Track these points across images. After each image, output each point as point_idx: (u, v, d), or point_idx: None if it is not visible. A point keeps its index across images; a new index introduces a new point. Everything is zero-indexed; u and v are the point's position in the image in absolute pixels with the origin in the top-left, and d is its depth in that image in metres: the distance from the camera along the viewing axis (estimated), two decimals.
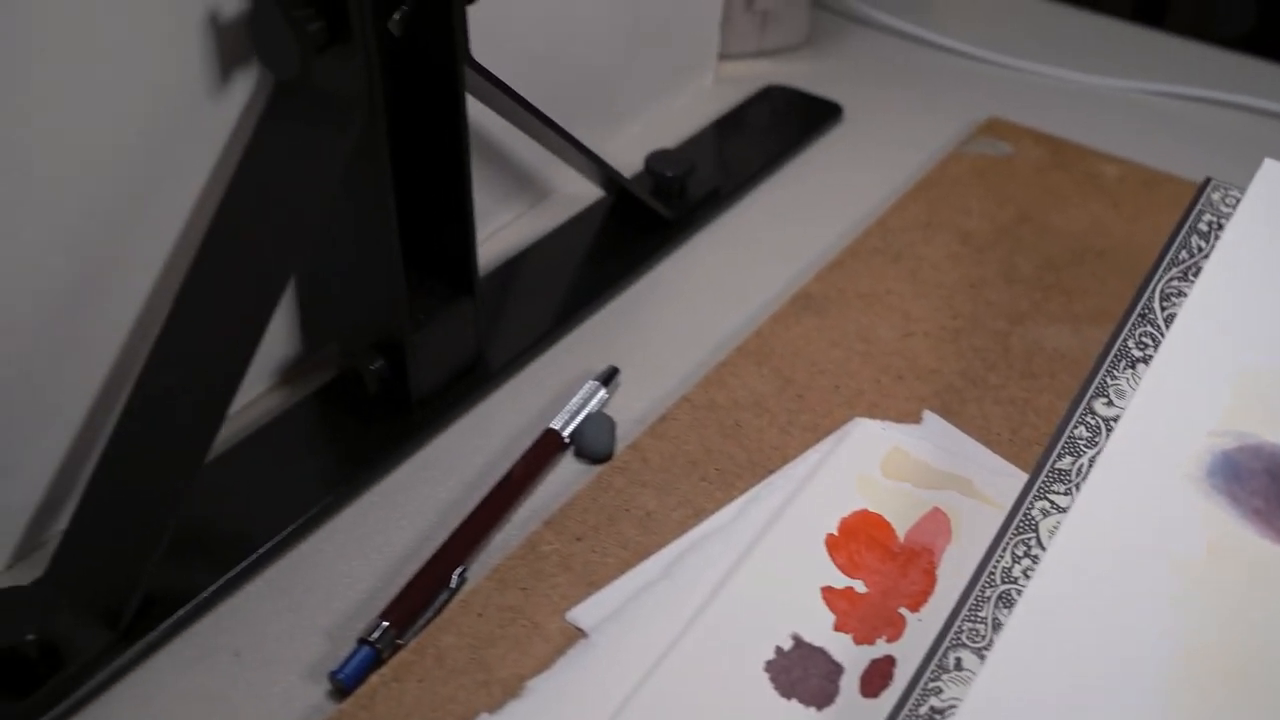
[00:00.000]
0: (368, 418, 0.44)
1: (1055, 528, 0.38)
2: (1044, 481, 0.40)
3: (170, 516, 0.36)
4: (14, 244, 0.35)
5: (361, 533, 0.41)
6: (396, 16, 0.38)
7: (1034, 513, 0.39)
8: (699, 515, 0.41)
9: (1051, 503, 0.39)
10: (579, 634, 0.37)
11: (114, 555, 0.37)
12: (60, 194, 0.35)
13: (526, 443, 0.44)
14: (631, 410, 0.46)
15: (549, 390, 0.47)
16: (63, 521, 0.41)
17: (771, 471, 0.43)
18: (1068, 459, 0.41)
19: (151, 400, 0.37)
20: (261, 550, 0.39)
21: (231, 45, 0.38)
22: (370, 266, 0.41)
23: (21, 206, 0.34)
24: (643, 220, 0.55)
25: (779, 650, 0.37)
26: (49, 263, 0.36)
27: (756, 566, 0.39)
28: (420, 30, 0.39)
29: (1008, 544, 0.38)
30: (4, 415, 0.37)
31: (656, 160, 0.56)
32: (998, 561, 0.38)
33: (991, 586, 0.37)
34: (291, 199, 0.37)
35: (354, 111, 0.37)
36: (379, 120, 0.37)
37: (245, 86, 0.39)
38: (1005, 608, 0.36)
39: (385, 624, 0.37)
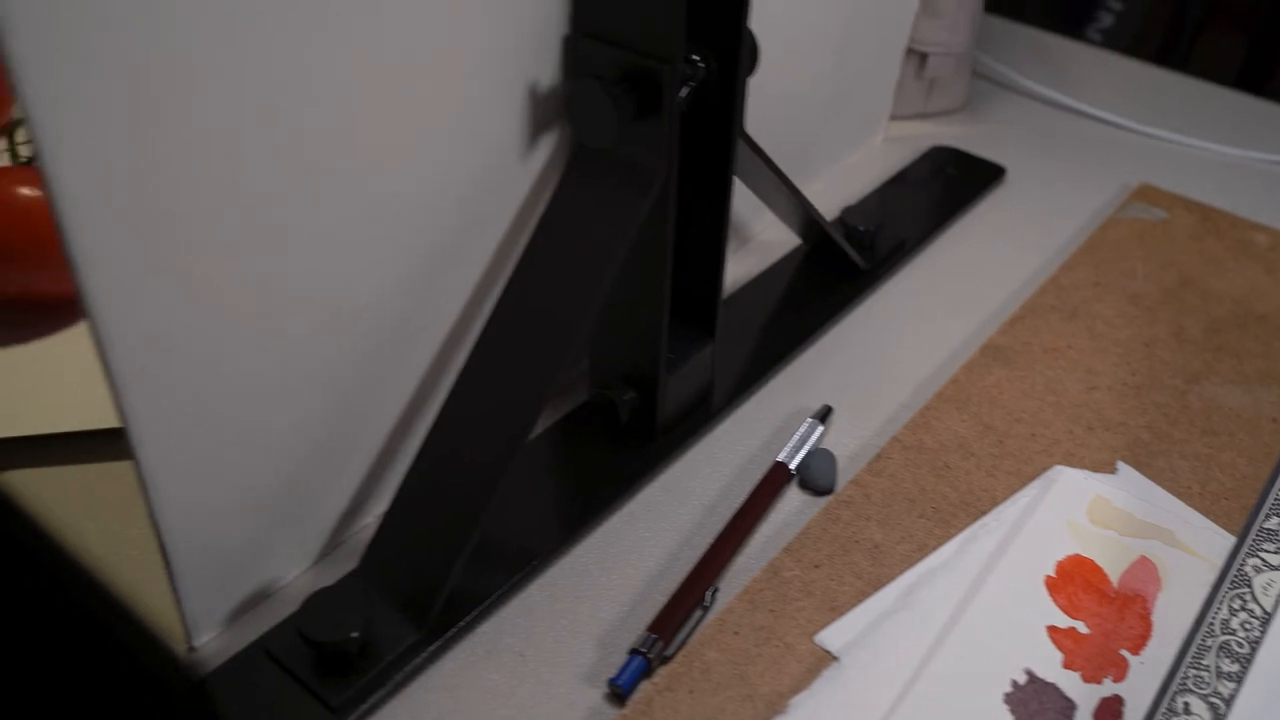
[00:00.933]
0: (618, 442, 0.44)
1: (1269, 584, 0.38)
2: (1254, 540, 0.39)
3: (476, 524, 0.37)
4: (353, 287, 0.35)
5: (619, 549, 0.42)
6: (684, 93, 0.38)
7: (1246, 569, 0.39)
8: (921, 550, 0.41)
9: (1263, 560, 0.39)
10: (828, 656, 0.38)
11: (423, 557, 0.37)
12: (388, 240, 0.36)
13: (752, 472, 0.45)
14: (844, 447, 0.46)
15: (766, 424, 0.47)
16: (358, 525, 0.42)
17: (983, 512, 0.43)
18: (1275, 520, 0.40)
19: (459, 419, 0.38)
20: (538, 559, 0.40)
21: (542, 113, 0.38)
22: (637, 311, 0.41)
23: (359, 247, 0.35)
24: (837, 269, 0.55)
25: (1015, 684, 0.37)
26: (377, 298, 0.37)
27: (986, 603, 0.39)
28: (704, 102, 0.39)
29: (1223, 597, 0.38)
30: (326, 437, 0.38)
31: (850, 214, 0.56)
32: (1215, 613, 0.38)
33: (1211, 637, 0.37)
34: (591, 251, 0.38)
35: (654, 176, 0.37)
36: (671, 183, 0.38)
37: (546, 149, 0.39)
38: (1227, 658, 0.36)
39: (654, 636, 0.37)
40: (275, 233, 0.32)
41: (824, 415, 0.47)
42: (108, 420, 0.43)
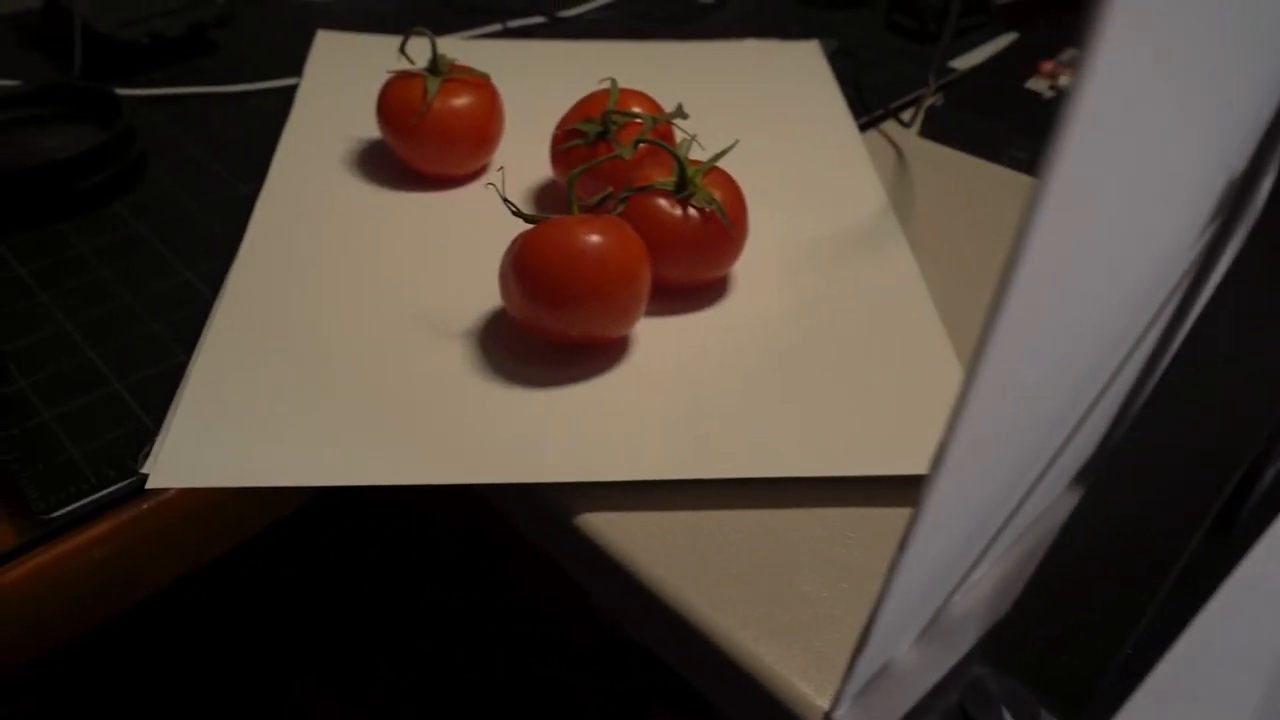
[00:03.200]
0: None
1: None
2: None
3: (1139, 619, 0.34)
4: (1070, 372, 0.33)
5: (1219, 652, 0.39)
6: None
7: None
8: None
9: None
10: None
11: (1074, 647, 0.35)
12: (1093, 336, 0.34)
13: None
14: None
15: None
16: (949, 602, 0.39)
17: None
18: None
19: (1108, 506, 0.36)
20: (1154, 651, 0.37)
21: (1223, 202, 0.35)
22: None
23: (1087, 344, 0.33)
24: None
25: None
26: (1073, 377, 0.35)
27: None
28: None
29: None
30: (987, 508, 0.36)
31: None
32: None
33: None
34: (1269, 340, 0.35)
35: None
36: None
37: (1204, 236, 0.37)
38: None
39: None
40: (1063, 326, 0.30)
41: None
42: (675, 470, 0.43)
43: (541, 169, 0.59)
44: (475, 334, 0.49)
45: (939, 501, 0.30)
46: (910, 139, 0.65)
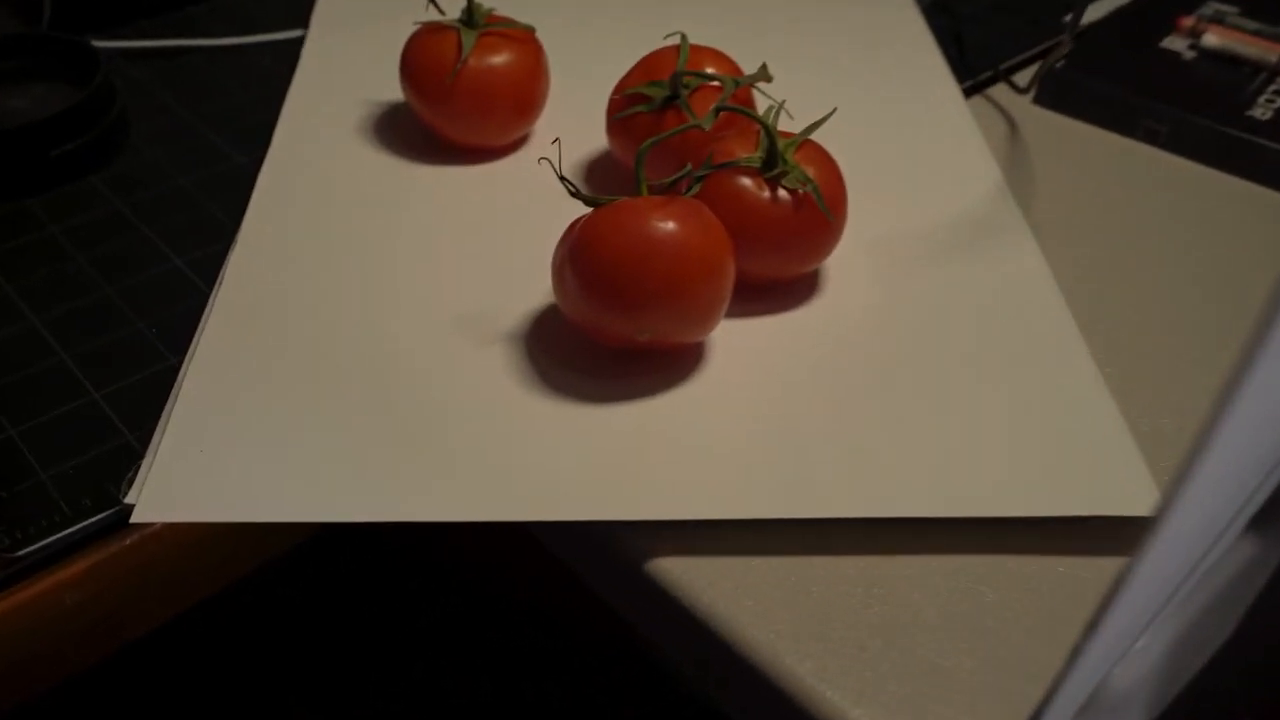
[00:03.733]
0: None
1: None
2: None
3: None
4: None
5: None
6: None
7: None
8: None
9: None
10: None
11: None
12: None
13: None
14: None
15: None
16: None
17: None
18: None
19: None
20: None
21: None
22: None
23: None
24: None
25: None
26: None
27: None
28: None
29: None
30: None
31: None
32: None
33: None
34: None
35: None
36: None
37: None
38: None
39: None
40: None
41: None
42: (765, 508, 0.38)
43: (592, 140, 0.54)
44: (521, 338, 0.44)
45: (1148, 569, 0.25)
46: (1025, 107, 0.59)
